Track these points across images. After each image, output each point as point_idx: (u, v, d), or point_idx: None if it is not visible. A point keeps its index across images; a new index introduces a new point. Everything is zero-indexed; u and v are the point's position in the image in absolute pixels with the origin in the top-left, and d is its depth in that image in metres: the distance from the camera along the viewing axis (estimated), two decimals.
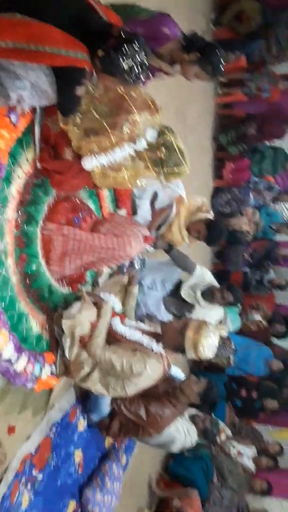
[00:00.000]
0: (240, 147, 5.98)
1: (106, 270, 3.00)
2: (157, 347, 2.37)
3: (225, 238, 6.28)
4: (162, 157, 2.14)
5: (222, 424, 4.92)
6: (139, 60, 1.67)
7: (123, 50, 1.63)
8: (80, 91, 1.81)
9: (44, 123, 2.15)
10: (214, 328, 2.37)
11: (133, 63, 1.66)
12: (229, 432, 5.03)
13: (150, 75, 2.52)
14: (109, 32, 1.65)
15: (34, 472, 2.41)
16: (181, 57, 2.30)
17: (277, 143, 6.26)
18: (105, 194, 2.95)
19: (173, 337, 2.39)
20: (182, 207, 3.25)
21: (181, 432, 3.26)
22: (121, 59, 1.64)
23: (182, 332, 2.36)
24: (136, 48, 1.65)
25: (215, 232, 3.20)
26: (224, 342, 5.64)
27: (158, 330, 2.60)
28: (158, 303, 3.39)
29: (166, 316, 3.29)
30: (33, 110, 2.07)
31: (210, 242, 3.34)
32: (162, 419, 2.77)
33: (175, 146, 2.15)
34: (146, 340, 2.39)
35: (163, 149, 2.14)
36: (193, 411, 3.77)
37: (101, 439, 3.11)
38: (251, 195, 6.10)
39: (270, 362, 5.45)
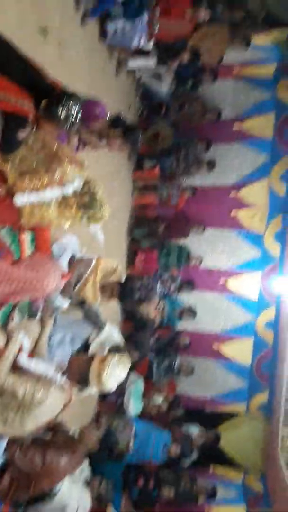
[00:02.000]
0: (151, 241, 6.69)
1: (17, 316, 3.09)
2: (61, 378, 2.45)
3: (133, 324, 6.65)
4: (85, 202, 2.51)
5: None
6: (74, 112, 2.13)
7: (62, 102, 2.09)
8: (21, 135, 2.19)
9: None
10: (119, 361, 2.54)
11: (68, 113, 2.12)
12: None
13: (81, 146, 3.05)
14: (53, 89, 2.12)
15: None
16: (108, 133, 2.86)
17: (182, 241, 7.09)
18: (27, 246, 3.18)
19: (78, 368, 2.50)
20: (99, 269, 3.56)
21: (73, 499, 3.10)
22: (60, 108, 2.10)
23: (88, 363, 2.49)
24: (72, 103, 2.12)
25: (127, 290, 3.52)
26: (124, 425, 5.60)
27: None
28: (66, 357, 3.45)
29: None
30: None
31: (123, 299, 3.62)
32: (58, 469, 2.69)
33: (97, 196, 2.55)
34: (51, 372, 2.47)
35: (87, 196, 2.52)
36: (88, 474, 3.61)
37: None
38: (158, 285, 6.64)
39: (169, 448, 5.45)
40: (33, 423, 2.36)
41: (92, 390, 2.50)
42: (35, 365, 2.47)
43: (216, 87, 6.90)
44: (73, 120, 2.16)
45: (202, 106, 6.84)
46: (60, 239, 3.71)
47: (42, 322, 2.99)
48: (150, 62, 5.50)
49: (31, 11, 3.17)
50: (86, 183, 2.56)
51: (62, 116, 2.13)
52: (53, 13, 3.53)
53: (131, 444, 5.33)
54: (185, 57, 5.38)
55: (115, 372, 2.50)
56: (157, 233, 6.89)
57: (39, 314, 3.35)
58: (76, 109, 2.15)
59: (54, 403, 2.36)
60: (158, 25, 4.76)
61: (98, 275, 3.59)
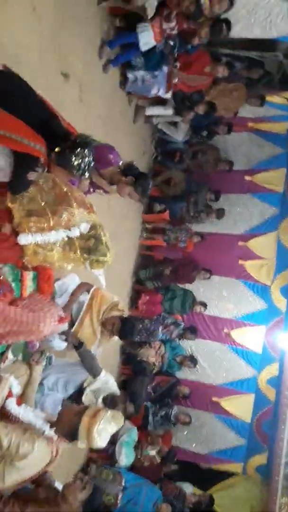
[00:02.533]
0: (156, 283, 6.61)
1: (10, 356, 2.99)
2: (49, 431, 2.32)
3: (132, 367, 6.45)
4: (90, 247, 2.47)
5: None
6: (86, 161, 2.13)
7: (76, 151, 2.10)
8: (31, 176, 2.19)
9: None
10: (111, 418, 2.40)
11: (81, 162, 2.12)
12: None
13: (91, 190, 3.06)
14: (68, 136, 2.13)
15: None
16: (119, 179, 2.87)
17: (187, 286, 7.01)
18: (28, 284, 3.14)
19: (68, 421, 2.36)
20: (96, 301, 3.49)
21: None
22: (73, 157, 2.10)
23: (79, 415, 2.36)
24: (86, 152, 2.13)
25: (128, 326, 3.41)
26: (114, 477, 5.30)
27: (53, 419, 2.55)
28: (57, 405, 3.30)
29: None
30: None
31: (123, 335, 3.51)
32: None
33: (103, 240, 2.51)
34: (39, 423, 2.34)
35: (93, 240, 2.49)
36: None
37: None
38: (160, 328, 6.50)
39: (159, 506, 5.12)
40: (15, 476, 2.21)
41: (81, 445, 2.35)
42: (24, 413, 2.35)
43: (230, 138, 7.04)
44: (85, 169, 2.17)
45: (215, 156, 6.96)
46: (62, 278, 3.67)
47: (33, 365, 2.88)
48: (167, 111, 5.65)
49: (55, 52, 3.28)
50: (93, 227, 2.54)
51: (75, 165, 2.14)
52: (77, 57, 3.66)
53: (119, 497, 5.02)
54: (201, 108, 5.52)
55: (106, 429, 2.36)
56: (163, 275, 6.82)
57: (31, 356, 3.25)
58: (89, 158, 2.16)
59: (40, 457, 2.22)
60: (178, 78, 4.91)
61: (97, 307, 3.52)
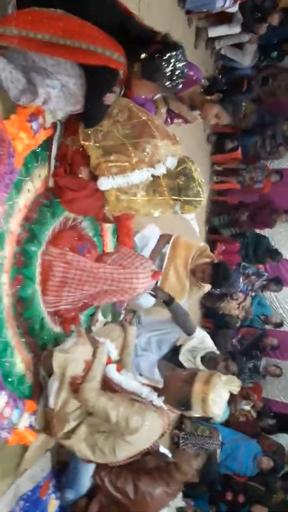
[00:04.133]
0: (233, 229, 6.08)
1: (101, 318, 2.73)
2: (158, 400, 2.02)
3: (214, 321, 6.11)
4: (180, 185, 2.05)
5: None
6: (179, 66, 1.65)
7: (167, 54, 1.62)
8: (108, 99, 1.76)
9: (62, 142, 2.07)
10: (226, 382, 2.06)
11: (174, 68, 1.64)
12: None
13: (169, 120, 2.57)
14: (151, 37, 1.65)
15: None
16: (203, 99, 2.35)
17: (267, 231, 6.40)
18: (109, 239, 2.81)
19: (177, 389, 2.05)
20: (178, 250, 3.12)
21: None
22: (163, 62, 1.62)
23: (189, 383, 2.03)
24: (179, 56, 1.64)
25: (221, 272, 3.02)
26: (211, 433, 5.13)
27: (158, 385, 2.26)
28: (152, 366, 3.04)
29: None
30: (53, 127, 2.01)
31: (216, 282, 3.12)
32: (152, 500, 2.28)
33: (195, 176, 2.07)
34: (145, 391, 2.05)
35: (182, 177, 2.05)
36: (180, 501, 3.20)
37: None
38: (241, 279, 6.04)
39: (259, 459, 4.88)
40: (126, 451, 1.97)
41: (194, 414, 2.04)
42: (126, 381, 2.07)
43: None
44: (180, 77, 1.68)
45: None
46: (141, 230, 3.30)
47: (126, 326, 2.59)
48: (234, 29, 4.88)
49: None
50: (181, 161, 2.10)
51: (167, 72, 1.65)
52: None
53: (218, 452, 4.84)
54: (276, 18, 4.67)
55: (221, 395, 2.02)
56: (239, 222, 6.24)
57: (122, 315, 2.98)
58: (184, 63, 1.66)
59: (151, 430, 1.94)
60: None
61: (183, 255, 3.15)
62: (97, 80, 1.64)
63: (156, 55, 1.63)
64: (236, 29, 4.90)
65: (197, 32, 4.89)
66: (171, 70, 1.65)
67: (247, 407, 5.35)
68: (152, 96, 2.09)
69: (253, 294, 6.25)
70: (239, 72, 5.97)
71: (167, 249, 3.21)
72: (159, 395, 2.05)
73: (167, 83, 1.69)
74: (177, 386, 2.07)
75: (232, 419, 5.27)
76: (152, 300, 3.08)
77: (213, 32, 4.94)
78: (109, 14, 1.61)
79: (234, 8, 4.44)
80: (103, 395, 1.93)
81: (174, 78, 1.67)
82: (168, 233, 3.36)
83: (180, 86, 1.76)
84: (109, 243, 2.82)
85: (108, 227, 2.77)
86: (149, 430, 1.93)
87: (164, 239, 3.27)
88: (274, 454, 5.06)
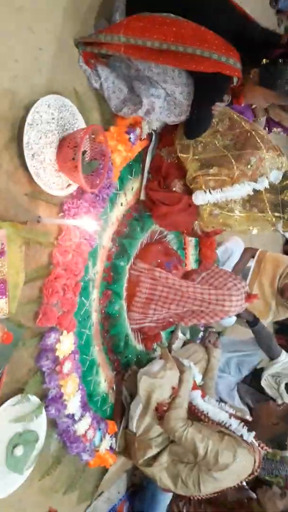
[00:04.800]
0: None
1: (181, 336, 2.61)
2: (249, 435, 1.85)
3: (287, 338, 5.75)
4: (285, 200, 1.86)
5: None
6: None
7: None
8: (218, 107, 1.62)
9: (157, 153, 1.97)
10: None
11: None
12: None
13: (267, 128, 2.38)
14: (275, 41, 1.49)
15: None
16: None
17: None
18: (191, 252, 2.68)
19: (271, 425, 1.88)
20: (264, 266, 2.90)
21: None
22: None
23: (285, 420, 1.84)
24: None
25: None
26: (282, 457, 4.81)
27: (245, 416, 2.09)
28: (231, 389, 2.86)
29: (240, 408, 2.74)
30: (149, 137, 1.92)
31: None
32: None
33: None
34: (234, 424, 1.89)
35: (287, 192, 1.86)
36: None
37: None
38: None
39: None
40: (211, 487, 1.82)
41: None
42: (214, 411, 1.92)
43: None
44: None
45: None
46: (225, 242, 3.13)
47: (210, 348, 2.43)
48: None
49: None
50: (286, 175, 1.90)
51: None
52: None
53: None
54: None
55: None
56: None
57: (201, 333, 2.83)
58: None
59: (241, 467, 1.78)
60: None
61: (270, 272, 2.93)
62: (209, 88, 1.50)
63: (279, 60, 1.46)
64: None
65: (286, 31, 4.60)
66: None
67: None
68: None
69: None
70: None
71: (252, 264, 3.01)
72: (249, 430, 1.88)
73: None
74: (270, 422, 1.90)
75: None
76: (234, 319, 2.90)
77: None
78: (227, 18, 1.46)
79: None
80: (190, 425, 1.79)
81: None
82: (253, 247, 3.16)
83: None
84: (191, 257, 2.69)
85: (191, 240, 2.64)
86: (239, 467, 1.77)
87: (249, 253, 3.07)
88: None
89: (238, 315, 2.68)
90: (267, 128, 2.36)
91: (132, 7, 1.49)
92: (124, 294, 1.99)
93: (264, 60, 1.47)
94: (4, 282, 1.26)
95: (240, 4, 1.72)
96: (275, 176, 1.86)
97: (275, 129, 2.38)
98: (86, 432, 1.71)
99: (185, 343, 2.59)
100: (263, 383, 2.82)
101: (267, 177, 1.85)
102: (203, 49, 1.39)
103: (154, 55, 1.45)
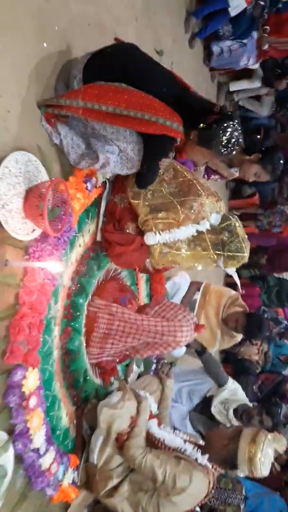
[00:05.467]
0: (252, 270, 6.11)
1: (135, 369, 2.73)
2: (202, 458, 1.99)
3: (233, 367, 6.02)
4: (224, 240, 2.10)
5: None
6: (236, 135, 1.75)
7: (224, 124, 1.72)
8: (164, 163, 1.85)
9: (111, 199, 2.16)
10: (273, 441, 2.04)
11: (230, 137, 1.73)
12: None
13: (206, 176, 2.68)
14: (209, 108, 1.76)
15: None
16: (242, 159, 2.45)
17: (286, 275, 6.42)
18: (142, 287, 2.86)
19: (222, 447, 2.03)
20: (209, 298, 3.14)
21: None
22: (221, 132, 1.72)
23: (234, 441, 2.01)
24: (235, 125, 1.74)
25: (255, 322, 3.02)
26: (234, 486, 4.93)
27: (198, 441, 2.23)
28: (183, 418, 3.01)
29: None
30: (103, 185, 2.11)
31: (249, 333, 3.12)
32: None
33: (238, 232, 2.13)
34: (189, 449, 2.02)
35: (226, 233, 2.12)
36: None
37: None
38: None
39: None
40: (170, 511, 1.91)
41: (241, 474, 2.01)
42: (169, 437, 2.05)
43: None
44: (235, 145, 1.78)
45: None
46: (172, 277, 3.35)
47: (164, 379, 2.57)
48: (254, 84, 5.12)
49: (147, 34, 2.94)
50: (225, 218, 2.17)
51: (224, 141, 1.75)
52: (167, 32, 3.31)
53: (242, 508, 4.63)
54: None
55: (269, 455, 1.99)
56: (258, 265, 6.29)
57: (154, 365, 2.97)
58: (239, 132, 1.77)
59: (197, 490, 1.90)
60: (268, 44, 4.38)
61: (214, 304, 3.17)
62: (156, 147, 1.74)
63: (213, 125, 1.73)
64: (256, 83, 5.14)
65: (218, 86, 5.14)
66: (227, 139, 1.75)
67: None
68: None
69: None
70: (256, 122, 6.20)
71: (198, 297, 3.25)
72: (202, 453, 2.02)
73: (223, 150, 1.78)
74: (221, 444, 2.05)
75: None
76: (183, 350, 3.08)
77: (234, 87, 5.19)
78: (169, 87, 1.73)
79: (256, 66, 4.68)
80: (149, 452, 1.90)
81: (230, 145, 1.77)
82: (198, 281, 3.41)
83: (232, 154, 1.85)
84: (143, 292, 2.87)
85: (142, 276, 2.82)
86: (195, 490, 1.90)
87: (195, 286, 3.32)
88: None
89: (187, 345, 2.88)
90: (205, 176, 2.66)
91: (88, 76, 1.71)
92: (83, 330, 2.10)
93: (201, 125, 1.74)
94: None
95: (183, 60, 1.98)
96: (214, 219, 2.11)
97: (213, 176, 2.68)
98: (50, 466, 1.76)
99: (139, 375, 2.72)
100: (213, 410, 2.99)
101: (208, 220, 2.10)
102: (151, 114, 1.62)
103: (109, 117, 1.67)
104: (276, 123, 6.22)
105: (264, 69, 4.89)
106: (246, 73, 5.05)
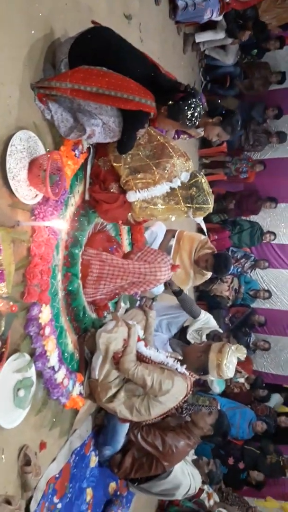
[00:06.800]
0: (222, 216, 6.61)
1: (122, 305, 3.21)
2: (181, 368, 2.54)
3: (207, 303, 6.67)
4: (192, 194, 2.51)
5: (211, 489, 4.81)
6: (198, 110, 2.11)
7: (189, 101, 2.08)
8: (140, 133, 2.20)
9: (95, 163, 2.51)
10: (235, 350, 2.59)
11: (194, 112, 2.10)
12: (217, 498, 4.89)
13: (176, 136, 3.03)
14: (176, 87, 2.10)
15: (55, 499, 2.36)
16: (205, 121, 2.81)
17: (253, 218, 6.95)
18: (125, 237, 3.27)
19: (196, 358, 2.57)
20: (183, 243, 3.61)
21: (187, 476, 3.24)
22: (186, 108, 2.09)
23: (205, 352, 2.55)
24: (198, 101, 2.10)
25: (222, 261, 3.53)
26: (210, 402, 5.72)
27: (177, 356, 2.77)
28: (164, 344, 3.56)
29: None
30: (88, 150, 2.45)
31: (218, 270, 3.63)
32: (177, 450, 2.81)
33: (204, 187, 2.54)
34: (170, 361, 2.56)
35: (194, 188, 2.52)
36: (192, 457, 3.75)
37: (107, 482, 3.05)
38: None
39: (254, 424, 5.53)
40: (158, 410, 2.47)
41: (211, 378, 2.57)
42: (154, 354, 2.57)
43: (282, 53, 6.59)
44: (198, 118, 2.14)
45: (266, 70, 6.53)
46: (150, 227, 3.78)
47: (147, 311, 3.08)
48: (218, 35, 5.30)
49: (116, 1, 3.13)
50: (193, 175, 2.56)
51: (189, 115, 2.12)
52: None
53: None
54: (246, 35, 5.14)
55: (232, 361, 2.55)
56: (227, 210, 6.78)
57: (138, 302, 3.46)
58: (201, 107, 2.13)
59: (179, 391, 2.45)
60: None
61: (187, 247, 3.64)
62: (134, 120, 2.09)
63: (180, 102, 2.09)
64: (221, 35, 5.31)
65: (185, 38, 5.29)
66: (192, 113, 2.11)
67: (241, 380, 5.96)
68: None
69: (238, 274, 6.83)
70: (222, 70, 6.41)
71: (173, 243, 3.71)
72: (181, 364, 2.56)
73: (188, 123, 2.15)
74: (195, 356, 2.60)
75: (228, 391, 5.87)
76: (162, 288, 3.58)
77: (200, 38, 5.35)
78: (142, 68, 2.05)
79: (219, 17, 4.85)
80: (140, 365, 2.42)
81: (193, 119, 2.14)
82: (172, 228, 3.85)
83: (195, 126, 2.22)
84: (125, 241, 3.29)
85: (124, 228, 3.23)
86: (177, 391, 2.44)
87: (169, 234, 3.76)
88: (267, 417, 5.70)
89: (167, 285, 3.39)
90: (176, 136, 3.01)
91: (73, 61, 2.01)
92: (80, 275, 2.53)
93: (170, 102, 2.09)
94: (2, 271, 1.76)
95: (150, 19, 2.19)
96: (184, 177, 2.51)
97: (182, 136, 3.04)
98: (62, 380, 2.25)
99: (127, 311, 3.22)
100: (188, 337, 3.56)
101: (179, 178, 2.49)
102: (128, 93, 1.96)
103: (93, 97, 1.99)
104: (241, 71, 6.44)
105: (227, 21, 5.06)
106: (211, 24, 5.21)
